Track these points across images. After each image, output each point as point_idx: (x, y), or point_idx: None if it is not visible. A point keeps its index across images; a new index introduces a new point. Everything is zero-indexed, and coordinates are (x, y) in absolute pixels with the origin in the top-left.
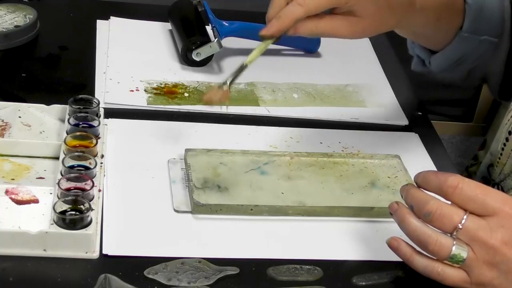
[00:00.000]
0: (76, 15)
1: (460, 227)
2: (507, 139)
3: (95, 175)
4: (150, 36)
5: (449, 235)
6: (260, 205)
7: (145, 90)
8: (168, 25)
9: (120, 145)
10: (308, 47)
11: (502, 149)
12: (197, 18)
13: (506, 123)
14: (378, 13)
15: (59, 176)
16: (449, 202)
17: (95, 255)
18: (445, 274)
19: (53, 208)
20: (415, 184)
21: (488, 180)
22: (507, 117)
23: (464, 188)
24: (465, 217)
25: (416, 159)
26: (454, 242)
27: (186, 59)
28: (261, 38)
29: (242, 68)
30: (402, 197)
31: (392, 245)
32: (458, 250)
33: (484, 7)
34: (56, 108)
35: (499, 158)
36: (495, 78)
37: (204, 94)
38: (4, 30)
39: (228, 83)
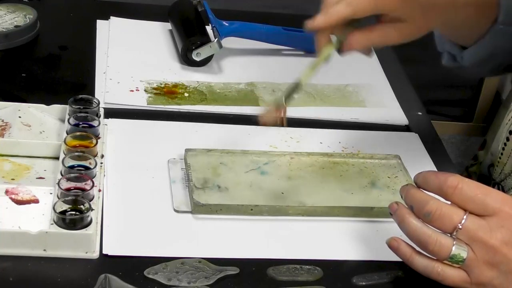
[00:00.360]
0: (76, 15)
1: (460, 227)
2: (507, 139)
3: (95, 175)
4: (150, 36)
5: (449, 235)
6: (260, 205)
7: (145, 90)
8: (168, 25)
9: (120, 145)
10: (308, 47)
11: (503, 148)
12: (197, 18)
13: (506, 123)
14: (423, 16)
15: (59, 176)
16: (449, 202)
17: (95, 255)
18: (445, 274)
19: (53, 208)
20: (415, 184)
21: (488, 179)
22: (507, 116)
23: (464, 188)
24: (465, 217)
25: (416, 159)
26: (454, 242)
27: (186, 59)
28: (307, 30)
29: (296, 86)
30: (402, 197)
31: (392, 245)
32: (458, 250)
33: None
34: (56, 108)
35: (500, 158)
36: None
37: (260, 116)
38: (4, 30)
39: (284, 101)
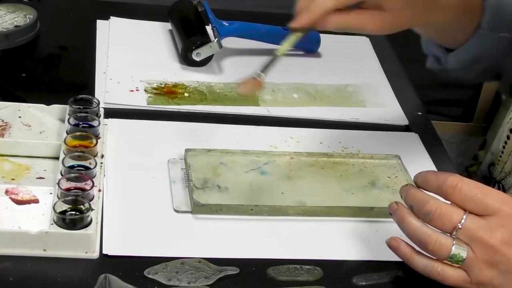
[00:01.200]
0: (76, 15)
1: (460, 226)
2: (508, 137)
3: (95, 175)
4: (150, 36)
5: (448, 234)
6: (260, 205)
7: (145, 90)
8: (168, 25)
9: (120, 145)
10: (308, 47)
11: (504, 147)
12: (197, 18)
13: (508, 122)
14: (405, 9)
15: (59, 176)
16: (449, 202)
17: (95, 255)
18: (445, 273)
19: (53, 208)
20: (414, 184)
21: (488, 178)
22: (508, 115)
23: (463, 187)
24: (464, 216)
25: (416, 159)
26: (454, 242)
27: (186, 59)
28: (290, 31)
29: (273, 59)
30: (401, 197)
31: (392, 245)
32: (458, 250)
33: (504, 5)
34: (56, 108)
35: (500, 157)
36: (508, 76)
37: (239, 84)
38: (4, 30)
39: (260, 72)
